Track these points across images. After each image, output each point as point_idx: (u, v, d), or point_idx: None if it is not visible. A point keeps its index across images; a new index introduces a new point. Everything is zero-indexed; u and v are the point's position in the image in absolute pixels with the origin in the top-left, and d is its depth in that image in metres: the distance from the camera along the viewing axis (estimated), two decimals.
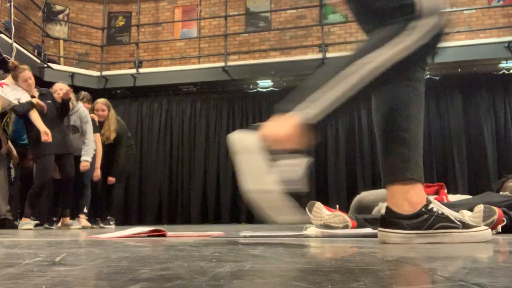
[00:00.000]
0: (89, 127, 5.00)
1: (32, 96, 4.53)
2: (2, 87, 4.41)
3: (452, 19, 7.13)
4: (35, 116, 4.33)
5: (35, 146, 4.43)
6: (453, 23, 7.09)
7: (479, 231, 1.41)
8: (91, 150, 4.97)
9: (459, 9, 7.44)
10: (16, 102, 4.33)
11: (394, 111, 1.43)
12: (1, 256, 1.05)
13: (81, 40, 8.65)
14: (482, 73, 6.96)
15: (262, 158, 1.14)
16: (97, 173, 5.24)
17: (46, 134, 4.25)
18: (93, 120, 5.20)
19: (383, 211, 1.49)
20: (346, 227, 2.18)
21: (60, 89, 4.88)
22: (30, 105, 4.35)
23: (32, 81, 4.53)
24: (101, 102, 5.54)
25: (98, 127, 5.40)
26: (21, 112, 4.36)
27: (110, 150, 5.51)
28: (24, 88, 4.48)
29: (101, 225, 5.38)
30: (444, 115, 7.10)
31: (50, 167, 4.50)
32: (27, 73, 4.49)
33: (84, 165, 4.86)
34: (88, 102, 5.40)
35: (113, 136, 5.45)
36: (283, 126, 1.16)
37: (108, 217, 5.56)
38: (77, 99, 5.22)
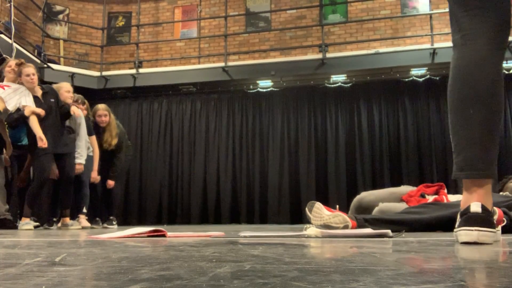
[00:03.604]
0: (82, 129, 5.00)
1: (35, 97, 4.52)
2: (4, 89, 4.40)
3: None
4: (33, 120, 4.34)
5: (34, 145, 4.42)
6: None
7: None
8: (84, 153, 4.98)
9: None
10: (11, 109, 4.34)
11: (501, 104, 1.43)
12: (1, 256, 1.05)
13: (81, 40, 8.64)
14: None
15: None
16: (95, 175, 5.23)
17: (41, 140, 4.26)
18: (88, 122, 5.19)
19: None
20: (346, 227, 2.18)
21: (68, 91, 4.93)
22: (21, 118, 4.36)
23: (34, 78, 4.51)
24: (102, 108, 5.53)
25: (101, 133, 5.42)
26: (9, 121, 4.40)
27: (109, 155, 5.52)
28: (25, 85, 4.48)
29: (104, 225, 5.39)
30: (444, 115, 7.10)
31: (49, 165, 4.49)
32: (29, 69, 4.50)
33: (78, 168, 4.89)
34: (82, 103, 5.40)
35: (114, 142, 5.46)
36: None
37: (111, 217, 5.57)
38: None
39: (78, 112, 4.79)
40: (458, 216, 1.38)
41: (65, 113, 4.71)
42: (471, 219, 1.30)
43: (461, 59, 1.45)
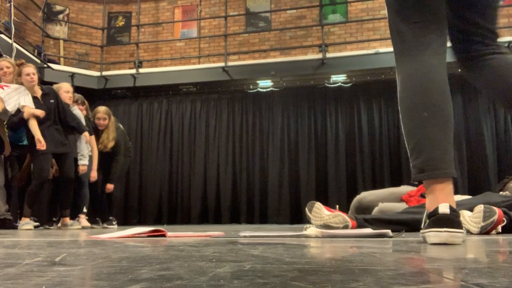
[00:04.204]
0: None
1: (34, 97, 4.53)
2: (3, 88, 4.40)
3: None
4: (32, 123, 4.35)
5: (33, 145, 4.43)
6: None
7: None
8: (86, 153, 5.04)
9: None
10: (10, 110, 4.34)
11: (451, 109, 1.45)
12: (1, 256, 1.05)
13: (81, 40, 8.64)
14: None
15: None
16: (94, 175, 5.23)
17: (39, 142, 4.28)
18: (87, 122, 5.20)
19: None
20: (346, 227, 2.19)
21: (67, 91, 4.97)
22: (21, 121, 4.38)
23: (34, 77, 4.52)
24: (102, 111, 5.55)
25: (99, 134, 5.43)
26: (10, 124, 4.41)
27: (108, 157, 5.53)
28: (25, 84, 4.48)
29: (104, 225, 5.40)
30: None
31: (48, 165, 4.50)
32: (29, 69, 4.50)
33: (83, 169, 4.95)
34: (82, 104, 5.41)
35: (110, 145, 5.49)
36: None
37: (111, 217, 5.58)
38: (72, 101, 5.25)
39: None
40: (425, 218, 1.39)
41: (72, 128, 4.83)
42: (440, 221, 1.31)
43: (410, 70, 1.49)
